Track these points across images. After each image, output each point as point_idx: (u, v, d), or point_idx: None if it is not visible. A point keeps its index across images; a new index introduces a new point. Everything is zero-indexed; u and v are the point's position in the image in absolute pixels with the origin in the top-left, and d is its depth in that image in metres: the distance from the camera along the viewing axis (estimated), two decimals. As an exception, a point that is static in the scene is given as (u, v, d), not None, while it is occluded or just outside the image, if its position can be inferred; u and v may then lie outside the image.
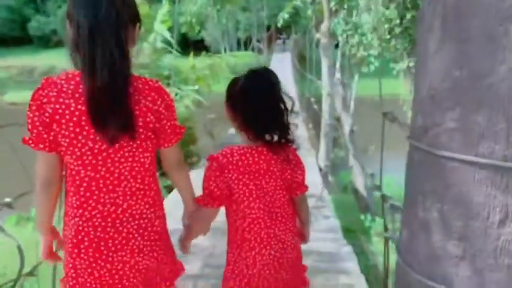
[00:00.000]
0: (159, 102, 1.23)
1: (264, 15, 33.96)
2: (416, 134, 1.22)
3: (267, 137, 1.37)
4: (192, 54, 6.55)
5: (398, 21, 6.65)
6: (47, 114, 1.14)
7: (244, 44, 34.97)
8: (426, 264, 1.21)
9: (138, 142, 1.21)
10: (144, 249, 1.28)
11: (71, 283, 1.27)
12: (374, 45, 7.57)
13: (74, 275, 1.25)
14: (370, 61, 8.13)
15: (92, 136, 1.16)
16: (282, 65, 26.27)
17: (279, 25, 5.98)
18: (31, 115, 1.16)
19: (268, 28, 36.82)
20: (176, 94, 5.76)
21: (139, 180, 1.25)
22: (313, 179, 5.04)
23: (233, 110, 1.41)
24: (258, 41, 35.79)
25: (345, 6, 5.88)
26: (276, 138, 1.38)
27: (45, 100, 1.15)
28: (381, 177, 2.38)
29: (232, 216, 1.45)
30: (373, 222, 5.84)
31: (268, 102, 1.37)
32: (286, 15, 5.63)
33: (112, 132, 1.14)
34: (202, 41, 32.14)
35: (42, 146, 1.17)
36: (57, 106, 1.14)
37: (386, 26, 6.81)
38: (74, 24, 1.16)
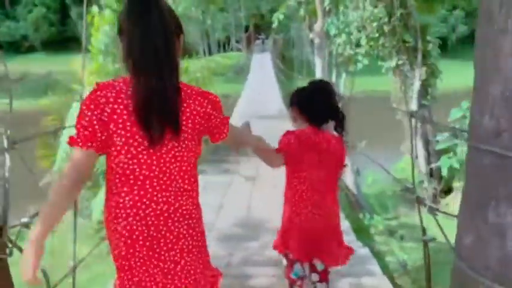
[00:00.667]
0: (205, 104, 1.30)
1: (242, 15, 33.94)
2: (483, 137, 1.19)
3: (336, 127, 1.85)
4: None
5: (386, 19, 6.73)
6: (105, 114, 1.17)
7: (223, 45, 34.79)
8: (498, 269, 1.18)
9: (186, 143, 1.26)
10: (193, 249, 1.32)
11: (126, 284, 1.28)
12: (362, 43, 7.64)
13: (129, 276, 1.27)
14: (357, 59, 8.21)
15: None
16: (263, 65, 26.26)
17: (273, 26, 5.90)
18: (88, 113, 1.17)
19: (247, 28, 36.81)
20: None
21: (186, 181, 1.30)
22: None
23: (300, 111, 1.84)
24: (237, 41, 35.72)
25: (339, 6, 5.90)
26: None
27: (103, 100, 1.18)
28: (413, 178, 2.36)
29: (293, 181, 1.82)
30: (372, 220, 5.87)
31: (328, 105, 1.82)
32: (282, 16, 5.59)
33: (157, 134, 1.19)
34: (180, 43, 31.76)
35: (90, 144, 1.18)
36: (116, 106, 1.18)
37: (374, 24, 6.88)
38: (126, 35, 1.20)
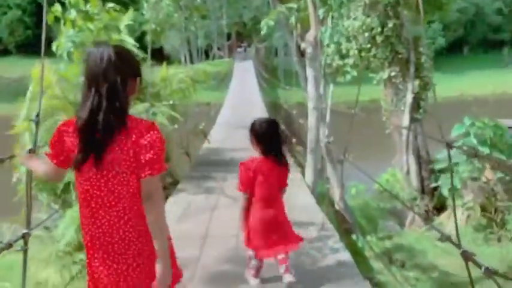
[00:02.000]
0: (141, 141, 1.48)
1: (224, 23, 33.64)
2: None
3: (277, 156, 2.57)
4: (164, 65, 5.97)
5: (379, 29, 6.46)
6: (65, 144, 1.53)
7: (206, 52, 34.35)
8: None
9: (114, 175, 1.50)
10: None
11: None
12: (351, 54, 7.37)
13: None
14: (346, 71, 7.92)
15: None
16: (245, 73, 25.98)
17: (262, 33, 5.53)
18: (54, 139, 1.56)
19: (228, 36, 36.54)
20: (147, 110, 5.16)
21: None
22: (307, 202, 4.60)
23: (257, 141, 2.56)
24: (219, 48, 35.36)
25: (333, 15, 5.59)
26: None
27: (64, 134, 1.53)
28: (458, 236, 1.98)
29: (253, 197, 2.57)
30: (365, 243, 5.51)
31: (275, 139, 2.57)
32: (272, 23, 5.23)
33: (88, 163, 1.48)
34: (160, 49, 31.17)
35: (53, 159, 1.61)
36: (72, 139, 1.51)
37: (366, 34, 6.61)
38: (85, 77, 1.48)
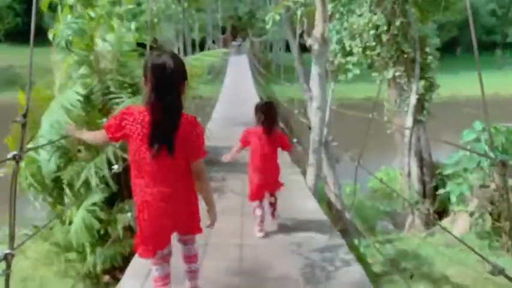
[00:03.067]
0: (194, 130, 1.95)
1: (219, 16, 33.16)
2: None
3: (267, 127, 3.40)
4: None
5: (385, 27, 6.24)
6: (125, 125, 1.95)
7: (200, 45, 33.86)
8: None
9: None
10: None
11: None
12: (354, 52, 7.15)
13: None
14: (348, 68, 7.70)
15: None
16: (240, 67, 25.65)
17: (267, 27, 5.27)
18: (116, 118, 1.97)
19: (223, 30, 36.09)
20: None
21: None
22: (311, 208, 4.37)
23: (257, 117, 3.43)
24: (214, 42, 34.88)
25: (342, 10, 5.34)
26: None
27: (126, 116, 1.93)
28: None
29: (250, 155, 3.48)
30: (367, 248, 5.33)
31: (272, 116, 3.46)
32: (278, 17, 4.96)
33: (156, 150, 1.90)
34: (154, 41, 30.60)
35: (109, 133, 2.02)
36: (132, 126, 1.92)
37: (372, 32, 6.39)
38: (149, 80, 1.85)
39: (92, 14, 3.29)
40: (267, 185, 3.50)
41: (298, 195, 4.72)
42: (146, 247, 2.05)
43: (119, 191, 4.95)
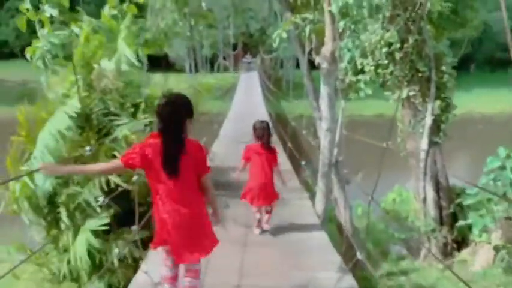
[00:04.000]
0: (200, 154, 2.42)
1: (231, 33, 33.37)
2: None
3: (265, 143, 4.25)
4: (164, 77, 5.49)
5: (399, 45, 5.97)
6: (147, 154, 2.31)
7: (211, 62, 34.04)
8: None
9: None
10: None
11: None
12: (366, 70, 6.87)
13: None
14: (359, 87, 7.42)
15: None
16: (250, 84, 25.57)
17: (275, 45, 5.06)
18: (137, 148, 2.33)
19: (234, 46, 36.28)
20: (147, 125, 4.65)
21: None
22: (319, 239, 4.03)
23: (255, 135, 4.27)
24: (224, 58, 35.04)
25: (353, 28, 5.10)
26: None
27: (148, 147, 2.31)
28: None
29: (250, 169, 4.26)
30: (382, 279, 4.94)
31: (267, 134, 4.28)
32: (285, 35, 4.74)
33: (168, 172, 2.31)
34: (165, 57, 30.85)
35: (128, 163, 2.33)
36: (152, 154, 2.30)
37: (384, 50, 6.12)
38: (158, 115, 2.30)
39: (76, 30, 3.07)
40: (265, 196, 4.17)
41: (305, 226, 4.40)
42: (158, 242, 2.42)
43: (115, 217, 4.70)
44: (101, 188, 3.78)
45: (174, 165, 2.25)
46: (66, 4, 2.94)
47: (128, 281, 3.50)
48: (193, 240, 2.35)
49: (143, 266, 3.24)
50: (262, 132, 4.18)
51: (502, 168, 4.48)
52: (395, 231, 8.25)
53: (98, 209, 3.80)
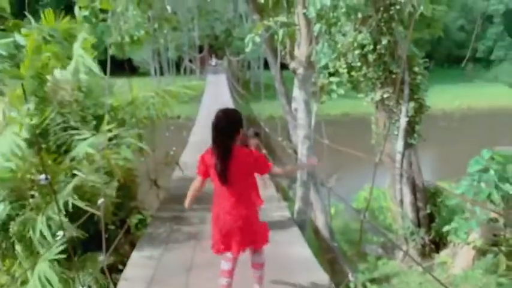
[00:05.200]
0: (247, 159, 2.67)
1: (196, 35, 32.81)
2: None
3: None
4: (130, 86, 5.09)
5: (372, 47, 5.87)
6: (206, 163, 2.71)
7: (176, 64, 33.33)
8: None
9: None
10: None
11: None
12: (340, 71, 6.76)
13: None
14: (332, 89, 7.31)
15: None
16: (218, 87, 25.16)
17: (247, 49, 4.80)
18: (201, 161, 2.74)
19: (200, 48, 35.69)
20: (111, 139, 4.26)
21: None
22: (303, 255, 3.81)
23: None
24: (190, 61, 34.42)
25: (330, 30, 4.93)
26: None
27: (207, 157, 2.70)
28: None
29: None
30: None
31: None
32: (258, 39, 4.51)
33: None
34: (129, 61, 29.90)
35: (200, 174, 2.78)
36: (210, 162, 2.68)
37: (357, 52, 6.01)
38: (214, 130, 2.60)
39: (21, 41, 2.67)
40: None
41: (287, 240, 4.17)
42: (218, 247, 2.76)
43: (80, 241, 4.28)
44: (59, 212, 3.37)
45: (224, 175, 2.56)
46: (7, 8, 2.52)
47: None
48: (245, 236, 2.68)
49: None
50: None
51: (486, 170, 4.45)
52: (371, 232, 8.21)
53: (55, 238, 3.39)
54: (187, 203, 2.84)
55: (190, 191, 2.82)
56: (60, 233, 2.63)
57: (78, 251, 4.35)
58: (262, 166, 2.71)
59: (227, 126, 2.56)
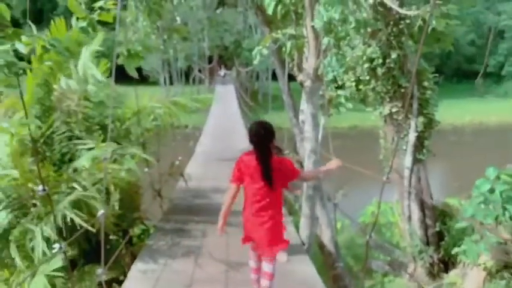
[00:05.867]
0: (281, 166, 2.87)
1: (205, 45, 33.09)
2: None
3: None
4: (134, 97, 5.07)
5: (381, 60, 5.81)
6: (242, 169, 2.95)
7: (186, 74, 33.56)
8: None
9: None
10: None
11: None
12: (347, 85, 6.69)
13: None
14: (340, 103, 7.23)
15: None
16: (226, 97, 25.25)
17: (255, 62, 4.78)
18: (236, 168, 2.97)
19: (210, 59, 35.98)
20: (115, 150, 4.21)
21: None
22: (309, 277, 3.70)
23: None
24: (200, 71, 34.65)
25: (339, 44, 4.88)
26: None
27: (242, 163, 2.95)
28: None
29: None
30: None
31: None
32: (265, 51, 4.48)
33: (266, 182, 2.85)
34: (139, 70, 30.16)
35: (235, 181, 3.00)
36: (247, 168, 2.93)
37: (366, 65, 5.95)
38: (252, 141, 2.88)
39: (22, 49, 2.64)
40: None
41: (291, 257, 4.06)
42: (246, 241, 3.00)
43: (82, 252, 4.23)
44: (55, 223, 3.32)
45: (269, 176, 2.77)
46: (7, 16, 2.50)
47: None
48: (270, 237, 2.85)
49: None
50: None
51: (492, 191, 4.31)
52: (379, 250, 8.03)
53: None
54: (221, 218, 2.96)
55: (227, 201, 2.96)
56: (57, 245, 2.56)
57: (79, 261, 4.29)
58: (292, 172, 2.91)
59: (266, 134, 2.81)
